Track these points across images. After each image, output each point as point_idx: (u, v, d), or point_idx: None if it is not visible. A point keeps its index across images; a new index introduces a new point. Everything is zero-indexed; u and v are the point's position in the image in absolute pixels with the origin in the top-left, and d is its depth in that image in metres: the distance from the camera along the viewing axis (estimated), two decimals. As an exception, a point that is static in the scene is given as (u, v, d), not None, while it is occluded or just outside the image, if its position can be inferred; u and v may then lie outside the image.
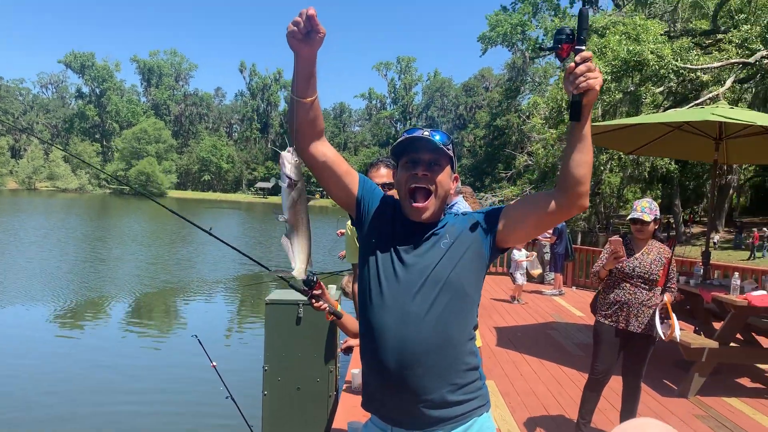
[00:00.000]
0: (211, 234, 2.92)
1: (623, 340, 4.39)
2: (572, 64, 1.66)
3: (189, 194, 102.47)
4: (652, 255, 4.41)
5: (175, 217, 3.35)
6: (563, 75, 1.72)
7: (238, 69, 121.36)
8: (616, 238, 4.31)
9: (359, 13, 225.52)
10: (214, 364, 3.74)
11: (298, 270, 1.92)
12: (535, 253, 11.42)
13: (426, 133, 1.90)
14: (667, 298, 4.45)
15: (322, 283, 2.75)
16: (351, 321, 2.95)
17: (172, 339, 10.54)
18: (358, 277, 2.04)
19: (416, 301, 1.82)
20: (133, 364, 8.80)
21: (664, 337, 4.44)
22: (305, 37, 1.61)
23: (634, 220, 4.42)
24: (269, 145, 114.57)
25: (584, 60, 1.65)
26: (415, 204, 1.88)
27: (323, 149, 1.85)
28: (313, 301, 2.72)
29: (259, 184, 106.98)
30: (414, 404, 1.82)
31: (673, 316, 4.54)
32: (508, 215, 1.92)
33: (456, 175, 2.03)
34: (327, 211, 65.90)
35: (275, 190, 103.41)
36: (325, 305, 2.75)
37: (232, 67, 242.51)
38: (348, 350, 3.78)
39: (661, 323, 4.40)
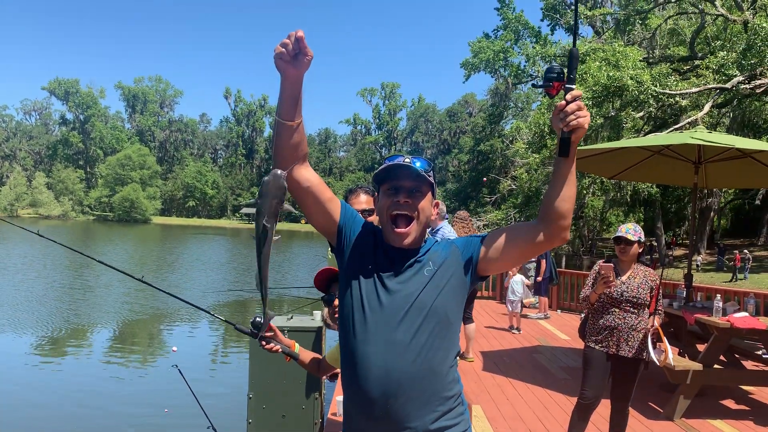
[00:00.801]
0: (143, 281, 2.93)
1: (613, 365, 4.40)
2: (563, 102, 1.69)
3: (174, 220, 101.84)
4: (638, 279, 4.43)
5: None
6: (552, 112, 1.75)
7: (223, 95, 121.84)
8: (606, 264, 4.34)
9: (343, 38, 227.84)
10: (195, 394, 3.68)
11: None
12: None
13: (407, 160, 1.92)
14: (657, 321, 4.47)
15: (272, 324, 2.71)
16: (309, 357, 2.89)
17: (154, 367, 10.39)
18: (339, 305, 2.01)
19: (400, 329, 1.81)
20: (115, 392, 8.66)
21: (658, 363, 4.47)
22: (293, 60, 1.62)
23: (618, 239, 4.45)
24: (254, 171, 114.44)
25: (574, 98, 1.69)
26: (397, 230, 1.89)
27: (307, 174, 1.82)
28: (263, 343, 2.67)
29: (244, 210, 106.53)
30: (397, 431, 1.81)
31: (665, 340, 4.57)
32: (490, 244, 1.93)
33: (437, 201, 2.05)
34: (313, 237, 65.76)
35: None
36: (278, 347, 2.70)
37: (217, 93, 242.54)
38: (333, 377, 3.74)
39: (653, 348, 4.42)
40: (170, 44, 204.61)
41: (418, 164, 1.92)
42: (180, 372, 3.73)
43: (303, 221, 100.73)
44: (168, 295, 2.96)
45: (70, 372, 9.89)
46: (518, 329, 9.88)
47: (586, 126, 1.71)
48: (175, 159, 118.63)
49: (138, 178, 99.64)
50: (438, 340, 1.84)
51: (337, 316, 2.68)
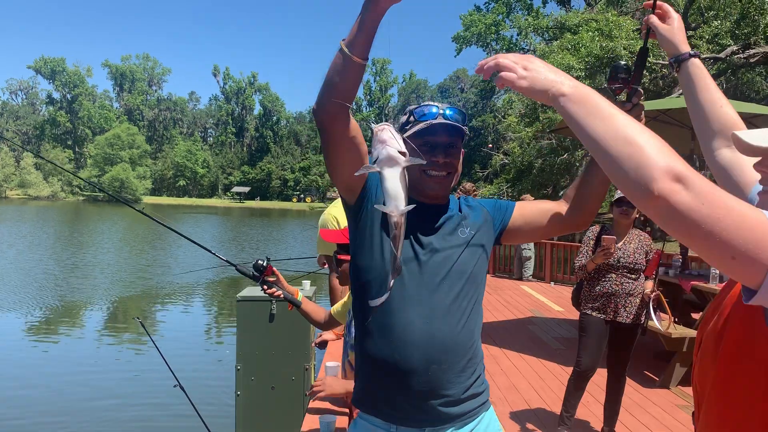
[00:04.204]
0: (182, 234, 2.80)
1: (610, 331, 4.32)
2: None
3: (164, 200, 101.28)
4: (634, 243, 4.36)
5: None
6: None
7: (211, 73, 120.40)
8: (609, 236, 4.20)
9: (332, 14, 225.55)
10: (177, 380, 3.53)
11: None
12: None
13: (443, 112, 1.77)
14: (651, 286, 4.40)
15: (275, 268, 2.60)
16: (313, 308, 2.81)
17: (142, 345, 10.28)
18: (357, 268, 1.82)
19: (440, 292, 1.73)
20: (102, 369, 8.57)
21: (662, 329, 4.39)
22: None
23: (620, 201, 4.31)
24: (244, 149, 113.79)
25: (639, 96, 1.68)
26: (434, 174, 1.77)
27: (353, 123, 1.67)
28: (265, 287, 2.58)
29: (236, 189, 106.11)
30: (433, 401, 1.72)
31: (668, 309, 4.49)
32: (521, 215, 1.91)
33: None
34: (305, 215, 65.65)
35: (252, 195, 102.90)
36: (280, 292, 2.60)
37: (205, 70, 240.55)
38: (323, 344, 3.62)
39: (655, 315, 4.35)
40: (157, 22, 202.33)
41: (456, 116, 1.78)
42: (161, 354, 3.57)
43: (294, 200, 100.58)
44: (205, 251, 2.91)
45: (59, 351, 9.78)
46: None
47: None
48: (165, 138, 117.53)
49: (128, 157, 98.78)
50: (476, 305, 1.81)
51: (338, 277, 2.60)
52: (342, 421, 2.50)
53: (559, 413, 4.43)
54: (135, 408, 6.97)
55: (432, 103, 1.79)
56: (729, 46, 17.82)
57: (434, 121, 1.74)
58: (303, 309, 2.72)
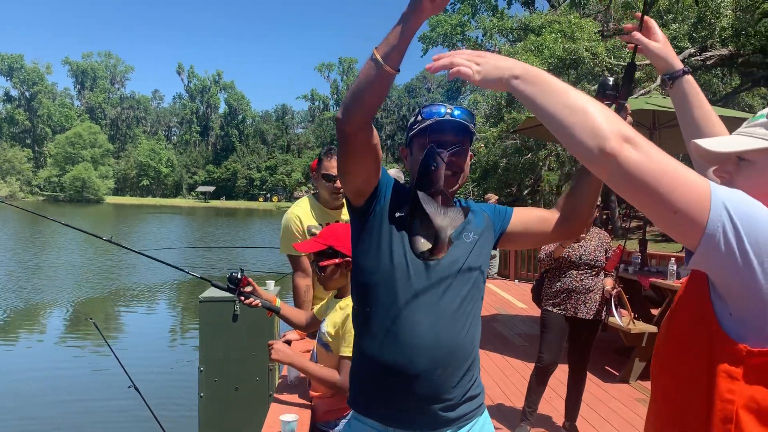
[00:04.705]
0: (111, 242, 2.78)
1: (571, 327, 4.40)
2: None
3: (127, 200, 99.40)
4: (594, 241, 4.45)
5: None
6: None
7: (175, 71, 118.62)
8: None
9: (299, 12, 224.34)
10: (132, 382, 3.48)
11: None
12: None
13: (450, 111, 1.75)
14: (611, 282, 4.49)
15: (249, 278, 2.61)
16: (293, 312, 2.83)
17: (101, 347, 10.09)
18: (361, 269, 1.80)
19: (447, 296, 1.74)
20: (60, 371, 8.39)
21: (623, 325, 4.48)
22: None
23: None
24: (209, 148, 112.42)
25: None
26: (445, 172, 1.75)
27: (375, 132, 1.64)
28: (242, 298, 2.58)
29: (200, 188, 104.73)
30: (434, 405, 1.72)
31: (629, 306, 4.59)
32: (521, 221, 1.93)
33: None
34: (272, 215, 65.12)
35: (218, 194, 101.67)
36: (258, 301, 2.62)
37: (169, 68, 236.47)
38: (287, 344, 3.61)
39: (616, 311, 4.45)
40: (119, 18, 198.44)
41: (464, 116, 1.75)
42: (117, 357, 3.52)
43: (261, 199, 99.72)
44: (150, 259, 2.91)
45: (14, 354, 9.54)
46: None
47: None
48: (128, 137, 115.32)
49: (89, 156, 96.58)
50: (477, 308, 1.82)
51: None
52: (305, 416, 2.51)
53: (521, 408, 4.50)
54: (92, 410, 6.84)
55: (441, 104, 1.78)
56: (687, 48, 18.25)
57: (441, 119, 1.74)
58: (283, 314, 2.73)
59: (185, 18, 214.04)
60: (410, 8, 1.38)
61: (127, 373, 3.34)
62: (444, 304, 1.73)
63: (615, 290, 4.48)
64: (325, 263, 2.54)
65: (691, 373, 1.11)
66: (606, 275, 4.54)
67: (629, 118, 1.69)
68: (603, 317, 4.44)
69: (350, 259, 2.35)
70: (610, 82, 1.72)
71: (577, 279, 4.36)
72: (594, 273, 4.41)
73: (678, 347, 1.17)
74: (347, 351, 2.33)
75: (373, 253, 1.76)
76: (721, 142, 1.20)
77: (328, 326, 2.56)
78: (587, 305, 4.34)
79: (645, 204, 1.05)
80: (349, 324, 2.37)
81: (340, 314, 2.50)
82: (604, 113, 1.05)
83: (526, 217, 1.94)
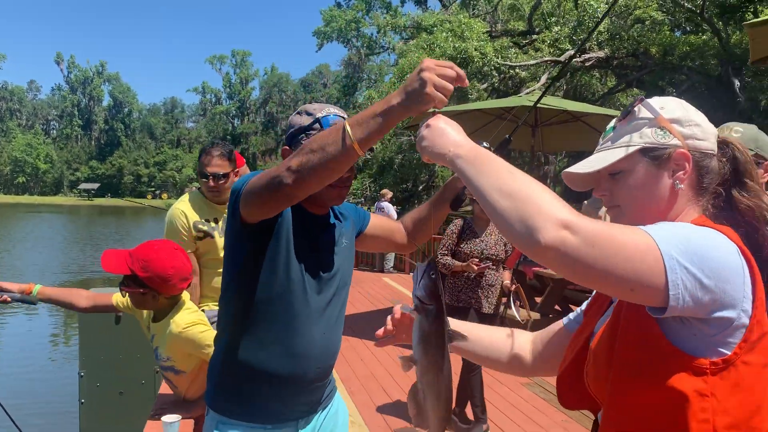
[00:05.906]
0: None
1: (473, 321, 4.49)
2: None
3: (1, 198, 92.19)
4: (495, 236, 4.50)
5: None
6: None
7: (54, 60, 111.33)
8: (483, 266, 4.34)
9: (189, 3, 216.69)
10: None
11: None
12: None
13: (344, 115, 1.69)
14: (509, 276, 4.62)
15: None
16: (59, 292, 2.64)
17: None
18: (249, 283, 1.71)
19: (333, 305, 1.82)
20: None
21: (521, 320, 4.63)
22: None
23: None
24: (92, 143, 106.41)
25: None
26: (340, 189, 1.71)
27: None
28: None
29: (83, 185, 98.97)
30: (313, 398, 1.84)
31: (525, 299, 4.76)
32: (376, 225, 2.02)
33: None
34: (161, 212, 62.57)
35: (102, 192, 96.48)
36: (5, 296, 2.46)
37: (47, 57, 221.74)
38: (118, 319, 3.47)
39: (514, 305, 4.59)
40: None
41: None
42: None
43: (149, 196, 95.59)
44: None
45: None
46: None
47: None
48: (1, 130, 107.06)
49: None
50: (344, 308, 1.92)
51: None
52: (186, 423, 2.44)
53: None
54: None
55: (333, 108, 1.71)
56: (568, 50, 19.30)
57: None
58: (46, 299, 2.54)
59: (66, 3, 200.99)
60: (405, 105, 1.27)
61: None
62: (329, 312, 1.80)
63: (514, 285, 4.62)
64: (126, 290, 2.37)
65: (655, 403, 1.02)
66: (504, 269, 4.64)
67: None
68: (502, 312, 4.56)
69: (156, 292, 2.31)
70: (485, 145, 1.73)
71: (480, 274, 4.39)
72: (495, 267, 4.49)
73: (629, 377, 1.05)
74: (209, 353, 2.19)
75: (267, 269, 1.69)
76: (588, 163, 1.19)
77: (168, 353, 2.45)
78: (489, 300, 4.42)
79: (600, 288, 0.99)
80: (196, 336, 2.35)
81: (178, 339, 2.38)
82: (538, 197, 0.96)
83: (378, 223, 2.03)
